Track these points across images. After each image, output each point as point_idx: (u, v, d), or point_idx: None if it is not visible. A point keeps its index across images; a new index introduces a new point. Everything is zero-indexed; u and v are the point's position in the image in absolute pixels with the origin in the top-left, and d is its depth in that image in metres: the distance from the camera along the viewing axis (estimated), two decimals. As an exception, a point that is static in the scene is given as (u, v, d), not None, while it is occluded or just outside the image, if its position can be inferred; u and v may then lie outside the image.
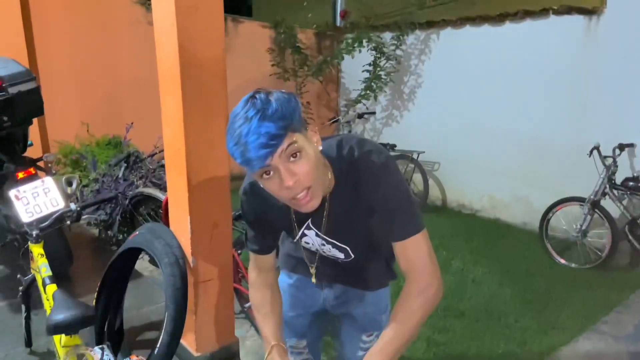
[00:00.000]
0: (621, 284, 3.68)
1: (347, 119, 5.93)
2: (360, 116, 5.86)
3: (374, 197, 1.24)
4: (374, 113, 6.09)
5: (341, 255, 1.45)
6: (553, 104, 4.55)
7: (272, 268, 1.54)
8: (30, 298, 2.53)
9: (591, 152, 3.93)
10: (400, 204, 1.24)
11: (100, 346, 2.14)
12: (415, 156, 5.43)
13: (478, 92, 5.11)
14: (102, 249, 3.85)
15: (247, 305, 2.84)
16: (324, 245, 1.43)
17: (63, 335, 1.99)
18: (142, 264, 3.68)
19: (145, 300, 3.14)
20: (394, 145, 5.61)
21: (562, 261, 4.02)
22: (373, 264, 1.53)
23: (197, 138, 2.34)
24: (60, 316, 1.89)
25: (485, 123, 5.06)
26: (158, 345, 2.15)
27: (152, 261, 3.74)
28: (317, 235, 1.40)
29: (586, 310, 3.29)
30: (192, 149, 2.34)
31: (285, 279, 1.69)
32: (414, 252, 1.24)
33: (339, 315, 1.67)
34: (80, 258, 3.48)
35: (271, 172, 1.14)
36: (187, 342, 2.53)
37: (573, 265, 3.98)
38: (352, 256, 1.44)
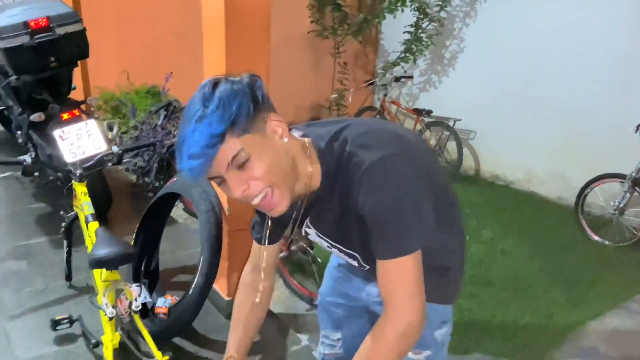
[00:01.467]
0: (655, 264, 3.60)
1: (383, 82, 5.83)
2: (397, 80, 5.75)
3: (360, 203, 1.02)
4: (411, 77, 5.96)
5: (354, 263, 1.23)
6: (601, 78, 4.36)
7: (269, 268, 1.33)
8: (71, 235, 2.64)
9: (637, 128, 3.79)
10: (389, 214, 1.00)
11: (138, 284, 2.23)
12: (451, 123, 5.33)
13: (522, 61, 4.93)
14: (139, 195, 3.95)
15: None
16: (329, 248, 1.24)
17: (103, 270, 2.08)
18: (176, 212, 3.78)
19: (179, 246, 3.24)
20: (430, 111, 5.51)
21: (596, 238, 3.95)
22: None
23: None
24: (102, 252, 1.97)
25: (528, 93, 4.90)
26: (192, 287, 2.23)
27: (187, 210, 3.84)
28: (318, 236, 1.22)
29: (617, 288, 3.24)
30: (232, 97, 2.35)
31: (333, 260, 1.51)
32: (396, 278, 1.03)
33: None
34: (118, 202, 3.59)
35: (220, 180, 0.98)
36: (219, 287, 2.62)
37: (607, 242, 3.91)
38: (366, 267, 1.21)
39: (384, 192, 0.99)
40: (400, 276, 1.03)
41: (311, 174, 1.06)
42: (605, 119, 4.31)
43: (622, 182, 3.89)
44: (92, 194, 2.42)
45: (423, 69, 6.00)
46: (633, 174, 3.82)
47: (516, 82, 5.00)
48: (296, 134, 1.10)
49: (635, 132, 3.80)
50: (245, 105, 0.94)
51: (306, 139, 1.09)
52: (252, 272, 1.36)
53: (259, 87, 1.00)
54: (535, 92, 4.84)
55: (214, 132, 0.91)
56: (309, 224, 1.20)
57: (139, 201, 3.73)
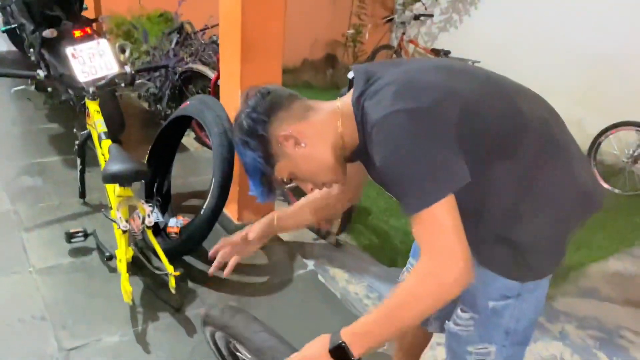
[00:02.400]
0: (664, 214, 3.60)
1: (402, 19, 5.66)
2: (416, 17, 5.57)
3: (375, 161, 1.02)
4: (431, 15, 5.77)
5: None
6: (628, 22, 4.19)
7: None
8: (85, 153, 2.67)
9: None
10: (395, 171, 0.99)
11: (150, 203, 2.28)
12: (470, 64, 5.20)
13: (547, 2, 4.73)
14: (151, 121, 3.96)
15: (286, 186, 2.92)
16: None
17: (117, 186, 2.11)
18: (188, 141, 3.80)
19: (190, 172, 3.27)
20: (448, 52, 5.36)
21: (606, 186, 3.93)
22: (475, 236, 1.09)
23: (254, 10, 2.28)
24: (116, 167, 2.00)
25: (551, 37, 4.74)
26: (204, 208, 2.27)
27: (198, 138, 3.85)
28: (376, 182, 1.22)
29: (622, 234, 3.26)
30: (248, 21, 2.29)
31: None
32: (423, 232, 0.99)
33: None
34: (131, 127, 3.59)
35: None
36: (229, 211, 2.66)
37: (617, 191, 3.90)
38: None
39: (387, 150, 0.99)
40: (428, 229, 0.98)
41: (342, 134, 1.11)
42: (628, 66, 4.19)
43: (638, 130, 3.83)
44: (105, 116, 2.42)
45: (444, 7, 5.80)
46: (650, 123, 3.76)
47: (538, 25, 4.82)
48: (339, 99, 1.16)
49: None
50: (260, 157, 1.11)
51: (338, 102, 1.14)
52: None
53: (258, 121, 1.10)
54: (557, 35, 4.67)
55: (257, 191, 1.17)
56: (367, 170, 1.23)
57: (151, 127, 3.74)
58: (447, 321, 1.31)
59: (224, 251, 1.40)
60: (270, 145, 1.10)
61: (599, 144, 4.05)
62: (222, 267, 1.40)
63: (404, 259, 1.56)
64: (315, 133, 1.10)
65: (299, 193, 3.08)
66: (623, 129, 3.94)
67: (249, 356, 1.38)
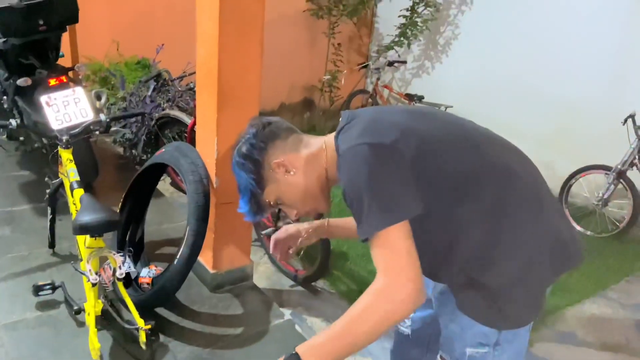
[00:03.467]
0: (635, 255, 3.67)
1: (376, 66, 5.79)
2: (390, 64, 5.71)
3: (341, 186, 1.13)
4: (405, 62, 5.93)
5: None
6: (593, 70, 4.38)
7: None
8: (56, 202, 2.61)
9: (625, 120, 3.82)
10: (353, 197, 1.08)
11: (122, 252, 2.22)
12: (443, 109, 5.33)
13: (516, 51, 4.93)
14: (126, 167, 3.92)
15: (263, 232, 2.90)
16: None
17: (87, 237, 2.06)
18: (163, 186, 3.76)
19: (165, 218, 3.23)
20: (422, 97, 5.49)
21: (579, 228, 4.00)
22: (450, 278, 1.22)
23: (230, 60, 2.32)
24: (87, 217, 1.95)
25: (520, 83, 4.91)
26: (177, 257, 2.23)
27: (174, 184, 3.82)
28: None
29: (596, 277, 3.30)
30: (224, 70, 2.32)
31: None
32: (379, 252, 1.06)
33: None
34: (105, 173, 3.55)
35: None
36: (204, 259, 2.61)
37: (589, 233, 3.96)
38: None
39: (349, 176, 1.09)
40: (381, 251, 1.06)
41: (326, 167, 1.22)
42: (594, 111, 4.34)
43: (607, 173, 3.94)
44: (79, 163, 2.39)
45: (417, 54, 5.98)
46: (619, 167, 3.87)
47: (508, 71, 5.00)
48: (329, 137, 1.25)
49: (623, 124, 3.84)
50: (252, 179, 1.23)
51: (326, 138, 1.25)
52: None
53: (256, 147, 1.23)
54: (527, 81, 4.85)
55: (245, 209, 1.28)
56: None
57: (126, 173, 3.69)
58: None
59: (281, 252, 1.49)
60: (263, 169, 1.22)
61: (570, 186, 4.14)
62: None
63: None
64: (304, 164, 1.22)
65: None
66: (593, 172, 4.05)
67: None
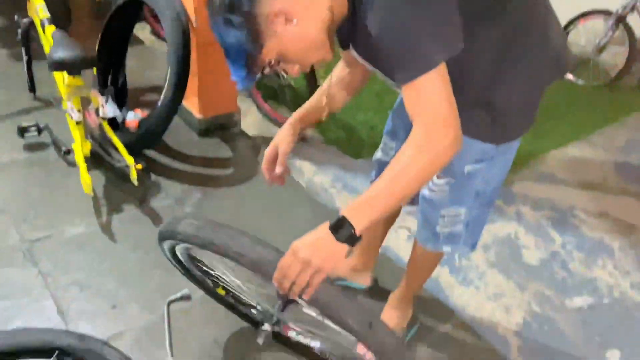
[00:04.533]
0: (625, 103, 3.66)
1: None
2: None
3: (373, 28, 0.98)
4: None
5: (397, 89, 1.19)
6: None
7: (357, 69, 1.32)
8: (29, 42, 2.49)
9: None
10: (398, 35, 0.95)
11: (104, 94, 2.18)
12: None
13: None
14: (100, 13, 3.68)
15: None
16: (375, 70, 1.19)
17: (66, 75, 2.00)
18: (143, 35, 3.58)
19: (146, 65, 3.12)
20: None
21: (570, 77, 3.95)
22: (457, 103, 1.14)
23: None
24: (61, 53, 1.88)
25: None
26: (161, 98, 2.19)
27: (154, 32, 3.64)
28: (360, 57, 1.18)
29: (582, 124, 3.33)
30: None
31: None
32: (420, 99, 0.97)
33: None
34: (78, 18, 3.35)
35: None
36: (190, 104, 2.58)
37: (580, 82, 3.92)
38: None
39: (388, 12, 0.94)
40: (422, 98, 0.97)
41: (331, 6, 1.01)
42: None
43: (605, 18, 3.80)
44: (49, 3, 2.23)
45: None
46: (619, 11, 3.71)
47: None
48: None
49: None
50: (245, 37, 0.98)
51: None
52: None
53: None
54: None
55: (240, 76, 1.04)
56: (351, 45, 1.16)
57: (100, 19, 3.47)
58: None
59: (270, 174, 1.33)
60: (258, 23, 0.98)
61: (567, 33, 4.00)
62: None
63: (369, 151, 1.57)
64: (305, 8, 1.00)
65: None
66: (592, 18, 3.89)
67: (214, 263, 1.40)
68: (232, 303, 1.60)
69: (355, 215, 0.96)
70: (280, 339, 1.60)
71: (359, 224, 0.95)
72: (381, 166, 1.55)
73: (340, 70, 1.36)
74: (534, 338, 1.82)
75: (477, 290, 2.00)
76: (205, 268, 1.48)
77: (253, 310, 1.58)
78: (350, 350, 1.49)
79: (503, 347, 1.76)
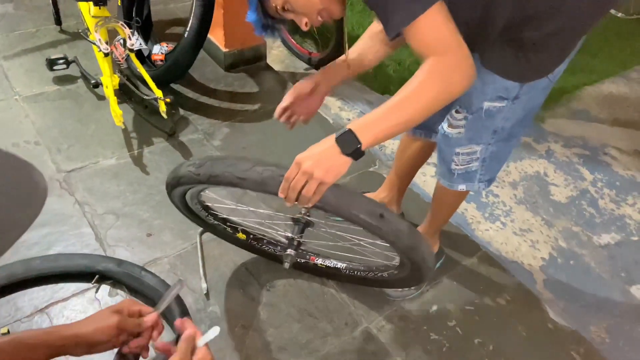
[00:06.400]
0: (666, 38, 3.49)
1: None
2: None
3: None
4: None
5: None
6: None
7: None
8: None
9: None
10: None
11: (130, 23, 2.15)
12: None
13: None
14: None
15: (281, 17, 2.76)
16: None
17: (92, 6, 1.97)
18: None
19: (170, -2, 3.06)
20: None
21: (611, 10, 3.75)
22: (482, 45, 1.15)
23: None
24: (87, -18, 1.84)
25: None
26: (187, 30, 2.15)
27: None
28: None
29: (620, 58, 3.20)
30: None
31: None
32: (426, 35, 0.96)
33: None
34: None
35: None
36: (216, 37, 2.54)
37: (620, 14, 3.72)
38: None
39: None
40: (429, 34, 0.95)
41: None
42: None
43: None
44: None
45: None
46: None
47: None
48: None
49: None
50: None
51: None
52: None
53: None
54: None
55: (252, 18, 1.11)
56: None
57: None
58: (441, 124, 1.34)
59: (292, 110, 1.32)
60: None
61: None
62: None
63: (396, 87, 1.53)
64: None
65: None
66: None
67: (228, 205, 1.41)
68: (254, 245, 1.64)
69: (362, 130, 0.97)
70: (309, 270, 1.65)
71: (365, 140, 0.97)
72: None
73: (375, 25, 1.32)
74: (559, 272, 1.84)
75: (504, 225, 2.00)
76: (221, 215, 1.53)
77: (276, 246, 1.62)
78: (375, 261, 1.53)
79: (528, 280, 1.78)
